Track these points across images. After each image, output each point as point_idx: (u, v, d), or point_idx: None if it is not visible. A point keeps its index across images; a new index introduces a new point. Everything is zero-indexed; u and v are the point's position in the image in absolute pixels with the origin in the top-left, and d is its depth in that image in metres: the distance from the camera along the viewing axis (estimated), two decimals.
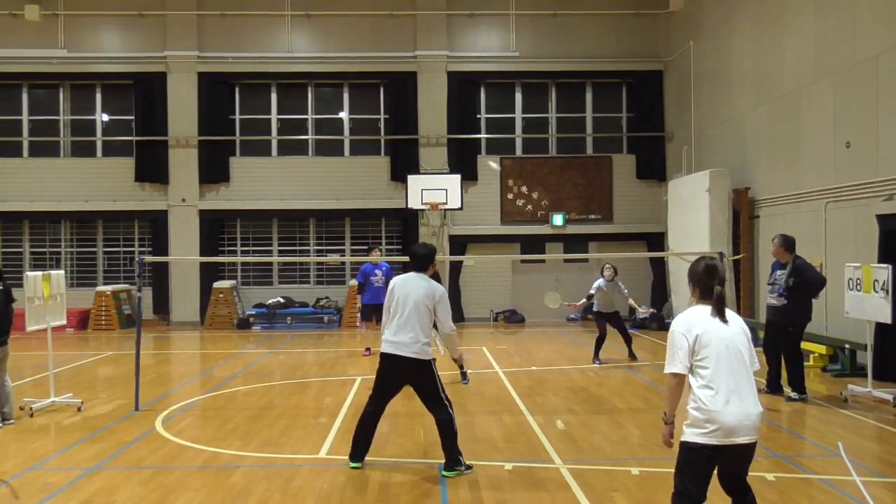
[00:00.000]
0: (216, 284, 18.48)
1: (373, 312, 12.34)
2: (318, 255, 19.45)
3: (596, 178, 19.42)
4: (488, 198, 19.32)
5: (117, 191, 19.11)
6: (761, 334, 10.43)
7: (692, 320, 4.10)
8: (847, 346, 10.79)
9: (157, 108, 19.08)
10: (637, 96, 19.45)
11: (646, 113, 19.35)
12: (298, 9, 19.16)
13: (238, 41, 19.17)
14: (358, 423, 6.51)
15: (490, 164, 18.08)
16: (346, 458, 6.52)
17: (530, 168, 19.39)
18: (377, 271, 12.61)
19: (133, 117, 19.35)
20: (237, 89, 19.61)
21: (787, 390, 9.08)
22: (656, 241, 19.03)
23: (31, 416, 8.38)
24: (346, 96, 19.75)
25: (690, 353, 4.02)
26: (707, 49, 16.77)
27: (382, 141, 19.57)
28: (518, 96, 19.81)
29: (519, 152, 19.74)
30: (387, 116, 19.53)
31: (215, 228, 19.33)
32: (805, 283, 8.91)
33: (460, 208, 18.11)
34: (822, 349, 11.31)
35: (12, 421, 8.09)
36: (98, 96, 19.60)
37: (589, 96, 19.84)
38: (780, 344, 9.14)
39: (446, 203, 17.85)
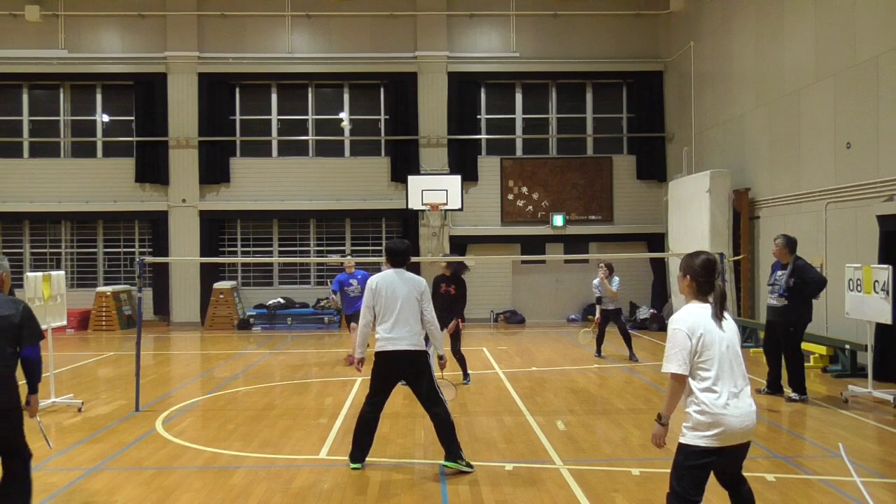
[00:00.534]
0: (216, 285, 18.48)
1: (349, 321, 12.14)
2: (318, 256, 19.45)
3: (596, 178, 19.42)
4: (489, 198, 19.32)
5: (118, 191, 19.12)
6: (761, 335, 10.43)
7: (695, 320, 3.94)
8: (847, 346, 10.79)
9: (158, 109, 19.09)
10: (637, 97, 19.45)
11: (646, 113, 19.36)
12: (299, 9, 19.17)
13: (238, 42, 19.18)
14: (358, 424, 6.52)
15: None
16: (347, 458, 6.52)
17: (531, 168, 19.40)
18: (352, 280, 12.11)
19: (133, 118, 19.36)
20: (237, 90, 19.62)
21: (788, 391, 9.08)
22: (657, 241, 19.03)
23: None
24: (346, 97, 19.76)
25: (693, 353, 3.90)
26: (707, 49, 16.78)
27: (383, 141, 19.57)
28: (518, 97, 19.82)
29: (519, 153, 19.75)
30: (387, 117, 19.53)
31: (215, 229, 19.33)
32: (805, 284, 8.91)
33: (460, 209, 18.11)
34: (822, 350, 11.31)
35: None
36: (98, 97, 19.61)
37: (589, 97, 19.85)
38: (781, 344, 9.14)
39: (447, 204, 17.86)
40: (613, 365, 12.06)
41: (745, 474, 4.24)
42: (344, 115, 19.71)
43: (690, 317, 3.97)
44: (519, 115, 19.82)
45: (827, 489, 5.78)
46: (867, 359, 9.56)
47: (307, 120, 19.66)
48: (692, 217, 15.63)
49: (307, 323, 18.69)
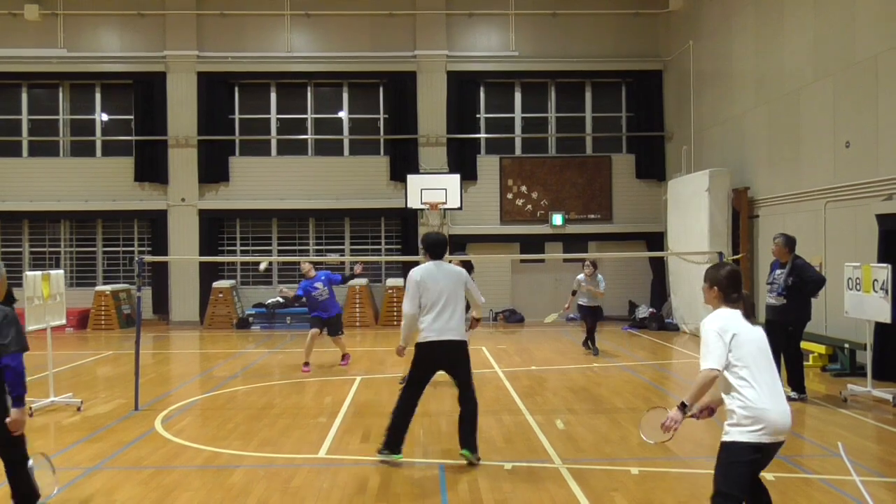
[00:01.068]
0: (216, 284, 18.47)
1: (322, 324, 11.69)
2: (317, 255, 19.44)
3: (595, 177, 19.42)
4: (488, 197, 19.32)
5: (117, 190, 19.11)
6: None
7: (727, 321, 4.07)
8: (846, 345, 10.80)
9: (157, 108, 19.07)
10: (637, 96, 19.45)
11: (645, 113, 19.36)
12: (298, 8, 19.15)
13: (238, 41, 19.16)
14: (397, 415, 6.51)
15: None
16: (345, 456, 6.51)
17: (530, 168, 19.40)
18: (316, 284, 11.56)
19: (132, 117, 19.35)
20: (237, 89, 19.61)
21: (787, 390, 9.07)
22: (656, 240, 19.04)
23: (31, 415, 8.36)
24: (345, 96, 19.75)
25: (727, 351, 3.98)
26: (707, 49, 16.78)
27: (382, 140, 19.57)
28: (517, 96, 19.81)
29: (518, 152, 19.74)
30: (386, 116, 19.53)
31: (215, 228, 19.33)
32: (804, 283, 8.91)
33: (460, 208, 18.12)
34: (821, 349, 11.32)
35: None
36: (97, 96, 19.60)
37: (588, 96, 19.85)
38: (780, 344, 9.12)
39: (446, 203, 17.86)
40: (612, 364, 12.05)
41: None
42: (343, 115, 19.71)
43: (721, 319, 4.10)
44: (518, 115, 19.81)
45: (826, 488, 5.78)
46: (866, 358, 9.56)
47: (306, 119, 19.65)
48: (691, 216, 15.63)
49: (306, 322, 18.53)
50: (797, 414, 8.41)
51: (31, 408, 8.47)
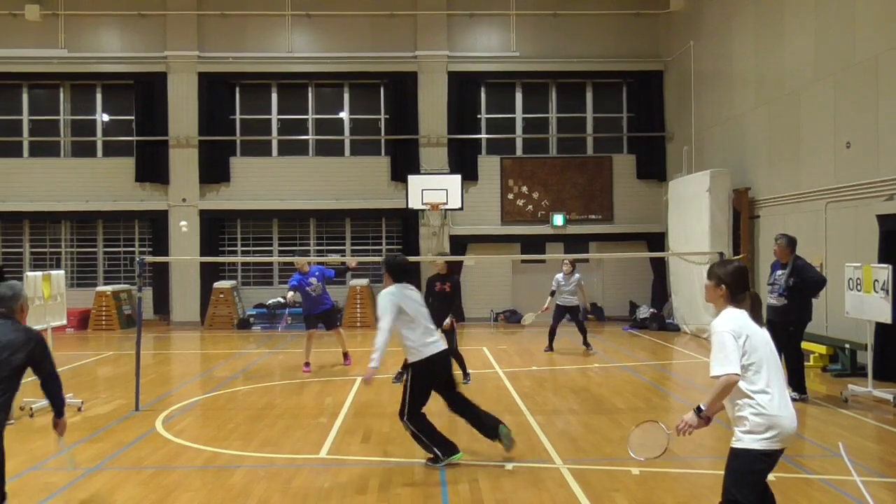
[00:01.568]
0: (216, 284, 18.48)
1: (315, 321, 11.77)
2: (318, 256, 19.44)
3: (596, 178, 19.42)
4: (489, 198, 19.32)
5: (117, 191, 19.11)
6: None
7: (738, 322, 3.91)
8: (847, 345, 10.79)
9: (158, 108, 19.08)
10: (637, 96, 19.45)
11: (646, 113, 19.35)
12: (299, 9, 19.16)
13: (238, 41, 19.17)
14: (427, 428, 6.46)
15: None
16: (346, 457, 6.51)
17: (530, 168, 19.39)
18: (310, 279, 11.52)
19: (133, 117, 19.35)
20: (237, 89, 19.62)
21: (788, 390, 9.06)
22: (657, 241, 19.03)
23: (32, 416, 8.38)
24: (346, 96, 19.76)
25: (741, 355, 3.82)
26: (707, 49, 16.77)
27: (383, 141, 19.57)
28: (518, 96, 19.81)
29: (519, 152, 19.74)
30: (387, 116, 19.53)
31: (215, 228, 19.33)
32: (805, 284, 8.91)
33: (461, 208, 18.12)
34: (822, 349, 11.31)
35: (13, 421, 8.06)
36: (98, 96, 19.61)
37: (589, 96, 19.85)
38: (781, 344, 9.10)
39: (447, 203, 17.86)
40: (612, 364, 12.05)
41: None
42: (344, 115, 19.72)
43: (734, 320, 3.93)
44: (519, 115, 19.81)
45: (827, 488, 5.78)
46: (867, 358, 9.56)
47: (307, 119, 19.66)
48: (692, 216, 15.63)
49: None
50: (798, 414, 8.39)
51: (31, 408, 8.48)
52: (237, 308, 18.60)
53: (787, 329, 9.00)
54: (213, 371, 12.03)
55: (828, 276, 10.06)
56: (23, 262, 19.24)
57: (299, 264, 11.71)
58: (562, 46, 19.31)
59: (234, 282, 18.98)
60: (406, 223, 19.13)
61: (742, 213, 14.75)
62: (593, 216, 19.38)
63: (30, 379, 4.97)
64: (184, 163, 19.06)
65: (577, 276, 12.85)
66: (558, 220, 19.13)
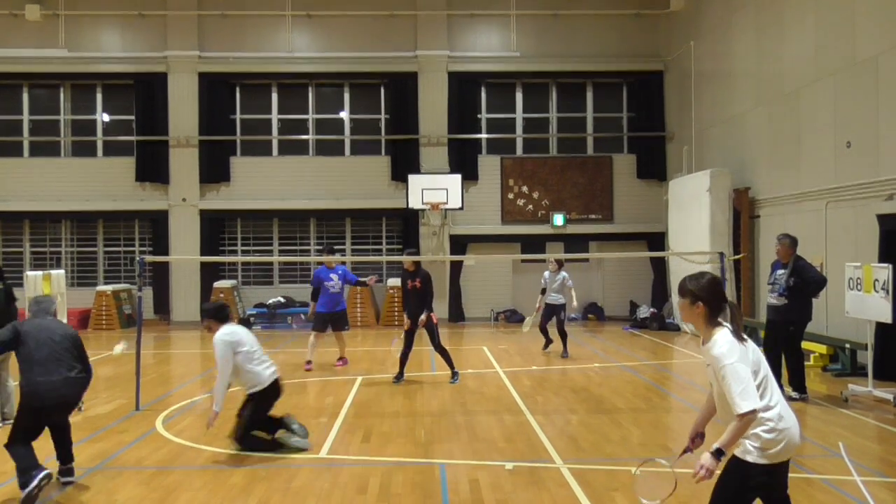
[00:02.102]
0: (217, 284, 18.48)
1: (327, 321, 11.88)
2: (318, 255, 19.43)
3: (596, 177, 19.42)
4: (489, 198, 19.32)
5: (118, 190, 19.12)
6: (762, 333, 10.43)
7: (738, 347, 3.69)
8: (847, 345, 10.80)
9: (158, 108, 19.09)
10: (637, 96, 19.45)
11: (646, 113, 19.35)
12: (299, 9, 19.16)
13: (239, 41, 19.17)
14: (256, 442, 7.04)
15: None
16: (346, 457, 6.51)
17: (531, 168, 19.40)
18: (332, 275, 11.73)
19: (133, 117, 19.37)
20: (238, 89, 19.62)
21: (788, 390, 9.08)
22: (657, 240, 19.03)
23: None
24: (346, 96, 19.76)
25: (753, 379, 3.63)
26: (707, 49, 16.77)
27: (383, 141, 19.58)
28: (519, 96, 19.82)
29: (519, 152, 19.75)
30: (387, 116, 19.53)
31: (216, 228, 19.34)
32: (806, 284, 8.91)
33: (461, 208, 18.13)
34: (822, 349, 11.32)
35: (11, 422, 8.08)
36: (98, 96, 19.62)
37: (589, 96, 19.85)
38: (781, 343, 9.13)
39: (447, 203, 17.87)
40: (612, 364, 12.05)
41: None
42: (344, 115, 19.72)
43: (734, 345, 3.70)
44: (519, 115, 19.82)
45: (827, 488, 5.78)
46: (867, 358, 9.56)
47: (307, 119, 19.66)
48: (692, 216, 15.63)
49: (307, 322, 18.65)
50: (798, 414, 8.38)
51: None
52: (237, 308, 18.61)
53: (788, 329, 9.01)
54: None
55: (828, 276, 10.06)
56: (23, 262, 19.25)
57: (327, 259, 12.02)
58: (562, 46, 19.31)
59: (234, 281, 18.99)
60: (406, 223, 19.13)
61: (742, 213, 14.75)
62: (593, 216, 19.38)
63: None
64: (184, 162, 19.06)
65: (563, 274, 12.65)
66: (558, 219, 19.14)
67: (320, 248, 19.71)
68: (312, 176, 19.29)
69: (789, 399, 8.90)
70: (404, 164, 18.90)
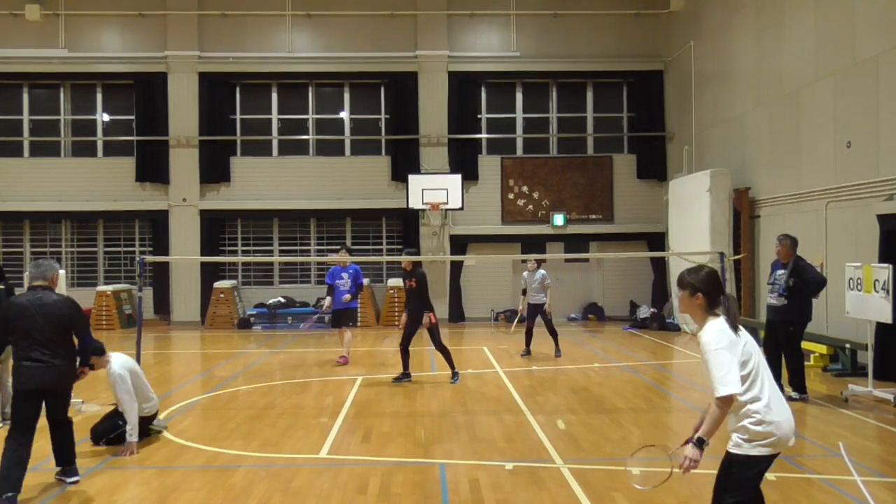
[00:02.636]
0: (217, 284, 18.49)
1: (340, 318, 12.24)
2: (318, 255, 19.45)
3: (597, 177, 19.42)
4: (489, 198, 19.32)
5: (118, 191, 19.13)
6: (762, 333, 10.43)
7: (727, 335, 3.79)
8: (847, 345, 10.80)
9: (158, 108, 19.09)
10: (638, 96, 19.45)
11: (646, 113, 19.35)
12: (299, 9, 19.17)
13: (239, 41, 19.18)
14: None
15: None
16: (346, 457, 6.50)
17: (531, 168, 19.40)
18: (343, 274, 12.14)
19: (134, 117, 19.37)
20: (238, 89, 19.63)
21: (788, 390, 9.08)
22: (657, 240, 19.03)
23: None
24: (346, 96, 19.76)
25: (739, 368, 3.73)
26: (707, 49, 16.77)
27: (383, 141, 19.58)
28: (519, 96, 19.82)
29: (520, 152, 19.75)
30: (387, 116, 19.53)
31: (216, 228, 19.34)
32: (805, 284, 8.91)
33: (461, 208, 18.13)
34: (822, 349, 11.31)
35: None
36: (99, 96, 19.62)
37: (590, 96, 19.85)
38: (781, 344, 9.13)
39: (447, 203, 17.87)
40: (612, 364, 12.05)
41: None
42: (344, 115, 19.72)
43: (724, 333, 3.80)
44: (519, 115, 19.82)
45: (827, 488, 5.78)
46: (867, 358, 9.57)
47: (308, 119, 19.66)
48: (692, 216, 15.63)
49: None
50: (798, 414, 8.39)
51: None
52: (237, 308, 18.61)
53: (788, 329, 9.01)
54: (213, 371, 12.03)
55: (828, 276, 10.07)
56: (23, 262, 19.22)
57: (341, 260, 12.27)
58: (562, 46, 19.32)
59: (234, 281, 18.99)
60: (406, 223, 19.13)
61: (742, 213, 14.75)
62: (593, 216, 19.39)
63: None
64: (184, 163, 19.07)
65: (541, 272, 12.54)
66: (558, 219, 19.14)
67: (320, 248, 19.73)
68: (312, 176, 19.29)
69: (789, 399, 8.92)
70: (404, 164, 18.91)
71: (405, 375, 10.49)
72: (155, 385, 10.42)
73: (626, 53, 19.32)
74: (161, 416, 8.47)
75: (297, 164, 19.41)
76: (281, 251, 19.63)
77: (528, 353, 12.90)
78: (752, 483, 3.84)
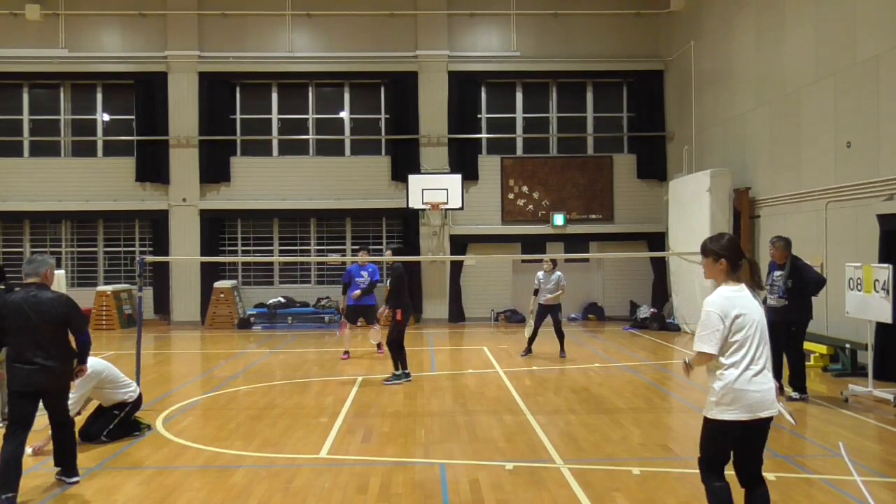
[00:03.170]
0: (217, 284, 18.48)
1: (357, 314, 12.74)
2: (318, 255, 19.45)
3: (597, 177, 19.42)
4: (489, 197, 19.32)
5: (118, 190, 19.12)
6: None
7: (730, 302, 4.14)
8: (848, 345, 10.80)
9: (158, 108, 19.09)
10: (638, 96, 19.45)
11: (646, 113, 19.35)
12: (299, 8, 19.16)
13: (239, 41, 19.17)
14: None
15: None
16: (346, 457, 6.51)
17: (531, 168, 19.39)
18: (363, 272, 12.57)
19: (134, 117, 19.36)
20: (238, 89, 19.62)
21: (788, 390, 9.08)
22: (657, 240, 19.03)
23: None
24: (346, 96, 19.76)
25: (726, 335, 4.08)
26: (707, 49, 16.77)
27: (383, 140, 19.58)
28: (519, 96, 19.81)
29: (520, 152, 19.74)
30: (387, 116, 19.53)
31: (216, 228, 19.34)
32: (805, 284, 8.92)
33: (461, 208, 18.13)
34: (822, 349, 11.31)
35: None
36: (99, 96, 19.62)
37: (590, 96, 19.85)
38: (782, 344, 9.12)
39: (447, 203, 17.86)
40: (612, 364, 12.05)
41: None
42: (344, 115, 19.72)
43: (725, 300, 4.16)
44: (519, 115, 19.81)
45: (828, 488, 5.78)
46: (867, 358, 9.56)
47: (308, 119, 19.66)
48: (693, 216, 15.63)
49: (307, 322, 18.68)
50: (798, 414, 8.41)
51: None
52: (237, 308, 18.61)
53: (789, 329, 9.01)
54: (213, 371, 12.03)
55: (828, 276, 10.08)
56: (23, 262, 19.20)
57: (361, 255, 12.47)
58: (562, 46, 19.32)
59: (234, 281, 18.99)
60: (406, 223, 19.13)
61: (742, 213, 14.75)
62: (594, 216, 19.38)
63: None
64: (184, 162, 19.06)
65: (558, 274, 12.59)
66: (559, 219, 19.14)
67: (320, 248, 19.74)
68: (312, 176, 19.29)
69: (790, 399, 8.94)
70: (404, 164, 18.90)
71: (404, 375, 10.47)
72: (155, 385, 10.48)
73: (626, 53, 19.32)
74: (161, 416, 8.49)
75: (297, 164, 19.40)
76: (281, 251, 19.63)
77: (528, 352, 12.89)
78: (722, 444, 4.19)
